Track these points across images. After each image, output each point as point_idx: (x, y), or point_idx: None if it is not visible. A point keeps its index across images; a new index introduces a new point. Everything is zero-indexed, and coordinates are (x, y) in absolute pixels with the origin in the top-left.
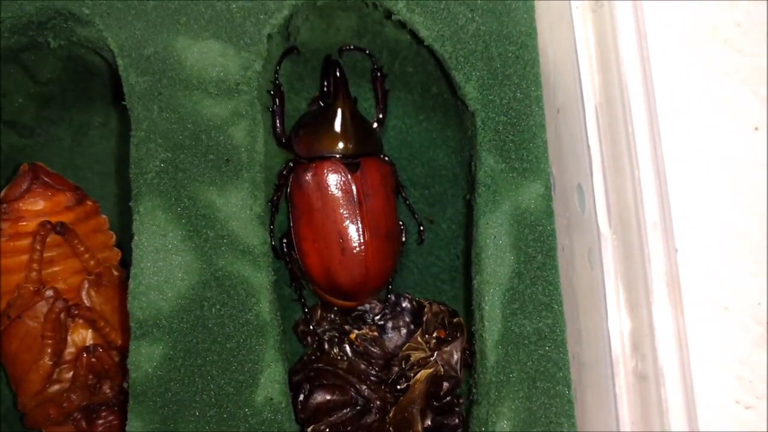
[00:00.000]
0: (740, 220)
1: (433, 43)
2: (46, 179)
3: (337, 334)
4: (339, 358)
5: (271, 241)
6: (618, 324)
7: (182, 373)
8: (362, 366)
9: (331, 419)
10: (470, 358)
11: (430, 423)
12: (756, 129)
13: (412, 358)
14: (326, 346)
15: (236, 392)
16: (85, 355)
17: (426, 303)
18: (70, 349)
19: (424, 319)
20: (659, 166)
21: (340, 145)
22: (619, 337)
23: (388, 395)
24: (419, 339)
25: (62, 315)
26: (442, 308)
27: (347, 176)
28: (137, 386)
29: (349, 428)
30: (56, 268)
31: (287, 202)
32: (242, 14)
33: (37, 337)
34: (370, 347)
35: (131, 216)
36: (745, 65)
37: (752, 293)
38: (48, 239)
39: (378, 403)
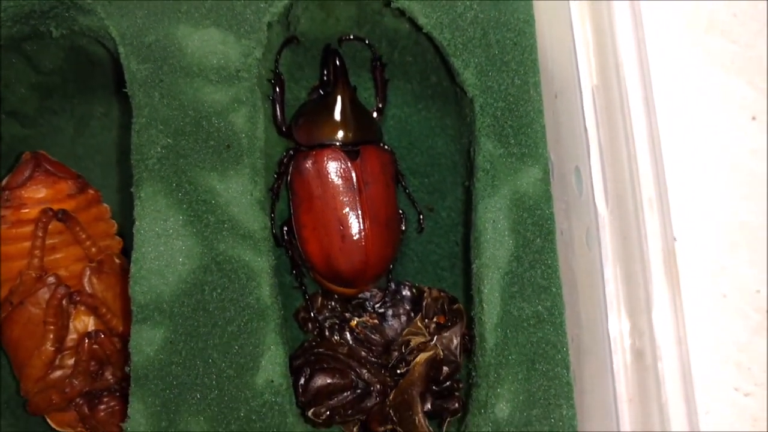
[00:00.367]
0: (739, 209)
1: (431, 30)
2: (48, 167)
3: (337, 322)
4: (340, 344)
5: (272, 229)
6: (616, 303)
7: (183, 357)
8: (362, 352)
9: (331, 402)
10: (470, 344)
11: (430, 407)
12: (753, 118)
13: (411, 343)
14: (327, 333)
15: (237, 375)
16: (86, 340)
17: (425, 288)
18: (72, 336)
19: (424, 303)
20: (655, 146)
21: (340, 132)
22: (616, 315)
23: (389, 379)
24: (419, 324)
25: (64, 301)
26: (442, 294)
27: (347, 164)
28: (139, 370)
29: (349, 411)
30: (58, 255)
31: (288, 190)
32: (242, 2)
33: (39, 323)
34: (370, 334)
35: (132, 203)
36: (742, 56)
37: (751, 281)
38: (50, 226)
39: (378, 386)
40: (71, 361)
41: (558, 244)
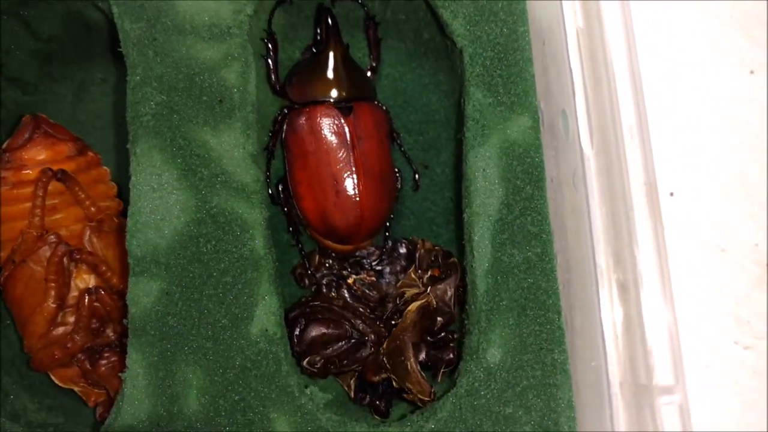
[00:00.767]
0: (737, 162)
1: None
2: (47, 129)
3: (335, 279)
4: (336, 298)
5: (268, 187)
6: (602, 239)
7: (179, 308)
8: (358, 306)
9: (326, 352)
10: (464, 295)
11: (425, 357)
12: (752, 72)
13: (406, 295)
14: (324, 290)
15: (232, 325)
16: (87, 297)
17: (419, 240)
18: (74, 293)
19: (417, 255)
20: (636, 84)
21: (333, 89)
22: (602, 251)
23: (383, 330)
24: (412, 275)
25: (65, 259)
26: (436, 247)
27: (340, 120)
28: (136, 321)
29: (344, 361)
30: (59, 216)
31: (283, 148)
32: None
33: (40, 280)
34: (367, 291)
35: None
36: (740, 9)
37: (750, 234)
38: (50, 187)
39: (373, 337)
40: (73, 318)
41: (548, 191)
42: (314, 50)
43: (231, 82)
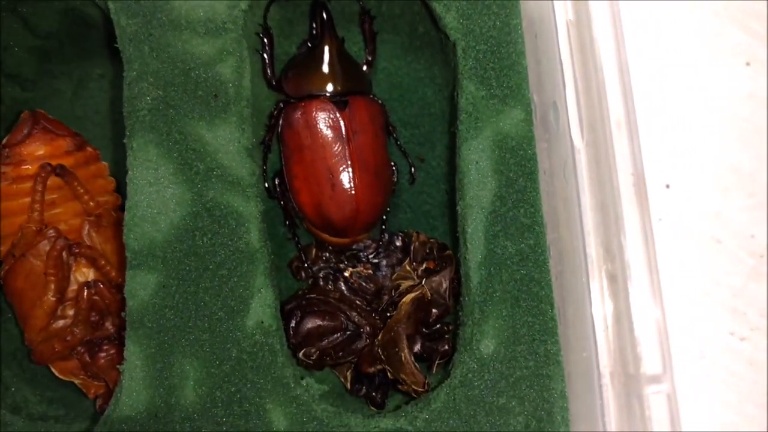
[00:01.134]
0: (733, 154)
1: None
2: (46, 124)
3: (331, 272)
4: (332, 291)
5: (264, 182)
6: (592, 230)
7: (176, 300)
8: (354, 299)
9: (321, 344)
10: (459, 287)
11: (420, 348)
12: (747, 64)
13: (401, 287)
14: (321, 283)
15: (228, 317)
16: (86, 290)
17: (413, 233)
18: (73, 287)
19: (412, 248)
20: (624, 76)
21: (328, 83)
22: (593, 242)
23: (378, 321)
24: (407, 267)
25: (64, 253)
26: (431, 240)
27: (335, 114)
28: (134, 314)
29: (340, 353)
30: (58, 210)
31: (279, 142)
32: None
33: (40, 274)
34: (364, 284)
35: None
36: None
37: (746, 226)
38: (49, 182)
39: (368, 328)
40: (72, 311)
41: (541, 183)
42: (309, 45)
43: (226, 77)
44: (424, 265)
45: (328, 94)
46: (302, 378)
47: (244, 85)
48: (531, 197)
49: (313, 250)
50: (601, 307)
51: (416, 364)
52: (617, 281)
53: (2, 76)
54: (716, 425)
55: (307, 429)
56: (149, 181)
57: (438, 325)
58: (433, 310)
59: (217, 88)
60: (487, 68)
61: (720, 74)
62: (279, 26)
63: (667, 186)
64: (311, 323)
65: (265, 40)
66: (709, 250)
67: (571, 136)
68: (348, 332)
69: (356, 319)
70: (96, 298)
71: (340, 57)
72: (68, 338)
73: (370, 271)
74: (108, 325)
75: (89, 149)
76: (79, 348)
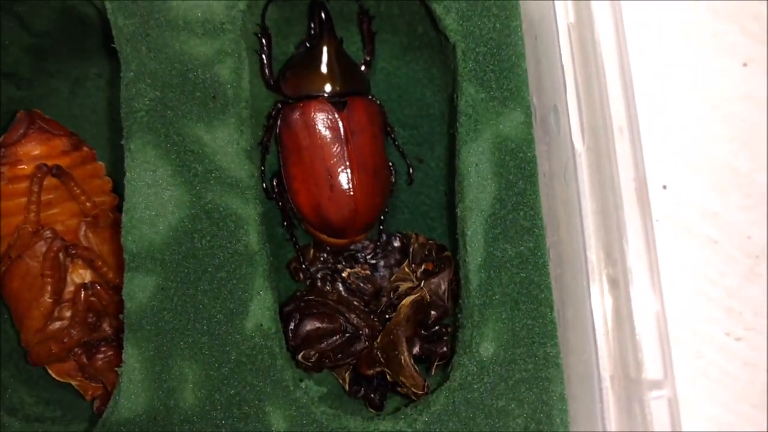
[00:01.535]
0: (730, 155)
1: None
2: (42, 124)
3: (329, 273)
4: (330, 292)
5: (262, 182)
6: (593, 235)
7: (175, 303)
8: (353, 299)
9: (320, 346)
10: (458, 289)
11: (419, 350)
12: (745, 65)
13: (400, 289)
14: (319, 284)
15: (227, 320)
16: (82, 291)
17: (412, 234)
18: (70, 288)
19: (411, 249)
20: (626, 79)
21: (327, 83)
22: (593, 246)
23: (377, 324)
24: (406, 269)
25: (60, 254)
26: (430, 241)
27: (334, 114)
28: (132, 316)
29: (339, 355)
30: (54, 211)
31: (277, 143)
32: None
33: (37, 275)
34: (362, 285)
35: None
36: (733, 0)
37: (742, 226)
38: (45, 182)
39: (367, 330)
40: (69, 313)
41: (541, 186)
42: (308, 45)
43: (224, 78)
44: (422, 267)
45: (326, 95)
46: (301, 380)
47: (243, 87)
48: (531, 200)
49: (311, 251)
50: (601, 310)
51: (416, 366)
52: (618, 286)
53: None
54: (712, 425)
55: (306, 431)
56: (147, 182)
57: (437, 327)
58: (432, 312)
59: (215, 90)
60: (486, 70)
61: (717, 75)
62: (277, 26)
63: (664, 187)
64: (310, 325)
65: (263, 40)
66: (706, 251)
67: (571, 140)
68: (347, 334)
69: (355, 321)
70: (93, 299)
71: (339, 57)
72: (65, 340)
73: (368, 272)
74: (105, 326)
75: (86, 149)
76: (76, 349)
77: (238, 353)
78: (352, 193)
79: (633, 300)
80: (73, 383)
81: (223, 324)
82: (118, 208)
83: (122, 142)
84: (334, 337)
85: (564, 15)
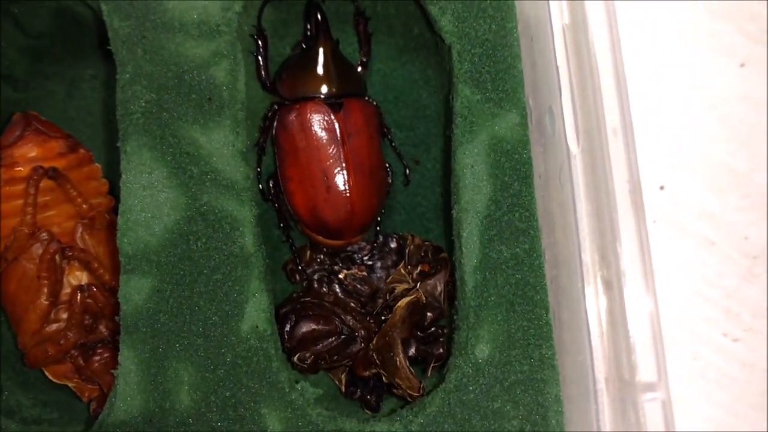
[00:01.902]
0: (728, 155)
1: None
2: (38, 126)
3: (326, 274)
4: (327, 294)
5: (259, 184)
6: (588, 237)
7: (171, 305)
8: (350, 301)
9: (316, 348)
10: (454, 291)
11: (414, 352)
12: (742, 65)
13: (396, 290)
14: (315, 285)
15: (223, 322)
16: (79, 293)
17: (408, 236)
18: (66, 290)
19: (407, 251)
20: (620, 81)
21: (323, 85)
22: (588, 248)
23: (373, 325)
24: (402, 271)
25: (57, 256)
26: (426, 243)
27: (330, 116)
28: (128, 318)
29: (335, 357)
30: (51, 213)
31: (273, 144)
32: None
33: (33, 278)
34: (358, 286)
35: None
36: (730, 1)
37: (740, 227)
38: (41, 184)
39: (363, 332)
40: (66, 315)
41: (536, 187)
42: (304, 46)
43: (220, 80)
44: (419, 269)
45: (322, 96)
46: (297, 382)
47: (239, 89)
48: (526, 201)
49: (308, 252)
50: (596, 313)
51: (411, 368)
52: (612, 288)
53: None
54: (710, 426)
55: None
56: (143, 185)
57: (433, 329)
58: (428, 314)
59: (211, 92)
60: (482, 72)
61: (714, 75)
62: (273, 27)
63: (662, 187)
64: (306, 327)
65: (260, 41)
66: (703, 251)
67: (566, 142)
68: (343, 336)
69: (351, 323)
70: (89, 301)
71: (335, 58)
72: (62, 342)
73: (365, 273)
74: (102, 328)
75: (82, 151)
76: (72, 351)
77: (234, 355)
78: (348, 194)
79: (627, 302)
80: (70, 385)
81: (218, 326)
82: (115, 210)
83: (118, 145)
84: (330, 339)
85: (559, 16)
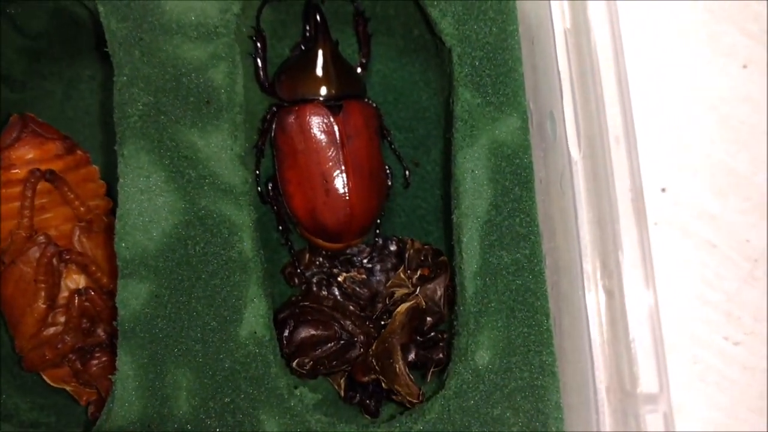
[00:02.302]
0: (729, 158)
1: None
2: (35, 128)
3: (325, 277)
4: (325, 298)
5: (257, 186)
6: (590, 245)
7: (169, 310)
8: (349, 305)
9: (315, 353)
10: (454, 295)
11: (414, 357)
12: (744, 67)
13: (396, 295)
14: (314, 289)
15: (221, 327)
16: (76, 297)
17: (408, 240)
18: (64, 294)
19: (406, 255)
20: (623, 87)
21: (322, 87)
22: (590, 256)
23: (372, 330)
24: (402, 275)
25: (54, 259)
26: (426, 246)
27: (329, 118)
28: (126, 323)
29: (334, 362)
30: (48, 215)
31: (272, 147)
32: None
33: (30, 281)
34: (358, 289)
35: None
36: (732, 2)
37: (741, 230)
38: (38, 186)
39: (362, 337)
40: (63, 318)
41: (537, 192)
42: (303, 47)
43: (218, 83)
44: (418, 273)
45: (322, 98)
46: (296, 387)
47: (237, 91)
48: (527, 206)
49: (307, 255)
50: (597, 320)
51: (410, 375)
52: (614, 296)
53: None
54: (710, 429)
55: None
56: (140, 188)
57: (432, 333)
58: (428, 318)
59: (209, 95)
60: (483, 75)
61: (717, 76)
62: (271, 28)
63: (663, 190)
64: (305, 332)
65: (258, 42)
66: (704, 254)
67: (568, 148)
68: (342, 341)
69: (350, 328)
70: (87, 304)
71: (334, 60)
72: (59, 345)
73: (364, 276)
74: (99, 332)
75: (79, 152)
76: (70, 355)
77: (232, 361)
78: (347, 197)
79: (628, 311)
80: (68, 389)
81: (216, 331)
82: (113, 212)
83: (115, 148)
84: (329, 344)
85: (560, 19)
